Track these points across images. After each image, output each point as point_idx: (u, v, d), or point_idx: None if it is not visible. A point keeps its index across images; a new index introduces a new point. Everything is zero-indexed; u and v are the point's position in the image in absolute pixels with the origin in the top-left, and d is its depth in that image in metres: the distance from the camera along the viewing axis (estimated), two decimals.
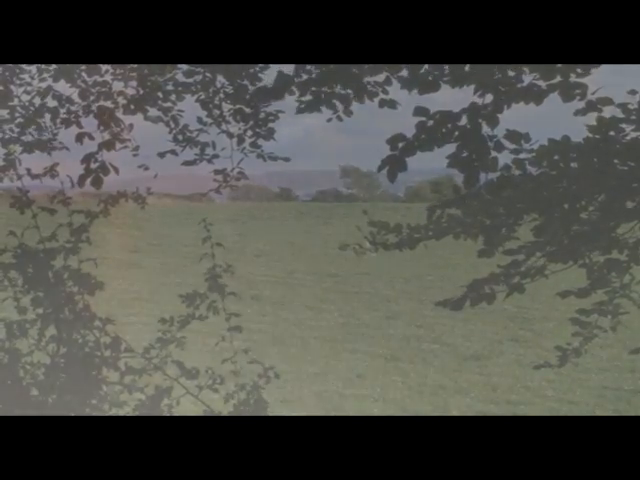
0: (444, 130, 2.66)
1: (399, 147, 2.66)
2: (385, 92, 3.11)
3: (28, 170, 3.39)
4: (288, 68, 3.02)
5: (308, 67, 3.00)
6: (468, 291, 3.11)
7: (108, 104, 3.44)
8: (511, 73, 2.72)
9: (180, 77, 3.37)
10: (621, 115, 2.83)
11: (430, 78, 2.75)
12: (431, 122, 2.67)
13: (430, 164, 3.18)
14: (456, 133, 2.66)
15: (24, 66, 3.41)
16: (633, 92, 2.84)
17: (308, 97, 2.96)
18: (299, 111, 2.92)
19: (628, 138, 2.83)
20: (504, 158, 2.85)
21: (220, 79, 3.40)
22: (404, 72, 2.89)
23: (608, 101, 2.79)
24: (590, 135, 2.83)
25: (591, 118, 2.81)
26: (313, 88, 2.92)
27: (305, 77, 2.97)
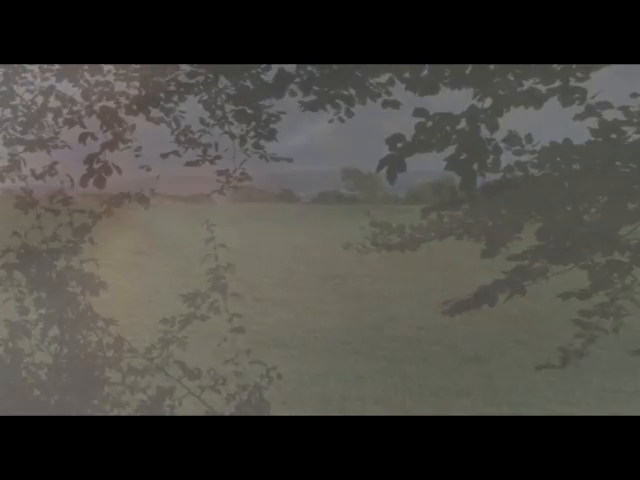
0: (443, 132, 2.67)
1: (398, 147, 2.67)
2: (388, 93, 3.12)
3: (32, 171, 3.40)
4: (290, 68, 3.03)
5: (309, 68, 3.01)
6: (473, 299, 3.11)
7: (110, 104, 3.44)
8: (511, 77, 2.73)
9: (182, 78, 3.38)
10: (623, 118, 2.83)
11: (430, 80, 2.76)
12: (430, 123, 2.68)
13: (432, 166, 3.18)
14: (454, 136, 2.67)
15: (26, 65, 3.42)
16: (635, 95, 2.84)
17: (310, 97, 2.97)
18: (303, 109, 2.93)
19: (630, 140, 2.84)
20: (506, 160, 2.86)
21: (222, 80, 3.40)
22: (406, 74, 2.90)
23: (607, 105, 2.79)
24: (592, 138, 2.84)
25: (590, 122, 2.82)
26: (315, 87, 2.93)
27: (306, 77, 2.98)
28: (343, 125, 3.27)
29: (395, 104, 3.06)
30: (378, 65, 2.88)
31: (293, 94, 3.04)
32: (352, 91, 3.07)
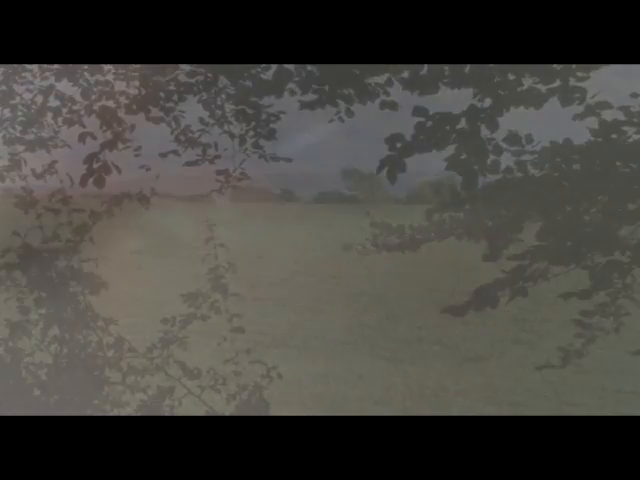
0: (443, 132, 2.67)
1: (397, 147, 2.67)
2: (386, 93, 3.11)
3: (33, 170, 3.40)
4: (290, 66, 3.02)
5: (309, 67, 3.01)
6: (472, 298, 3.11)
7: (110, 104, 3.44)
8: (511, 77, 2.73)
9: (182, 77, 3.37)
10: (623, 118, 2.83)
11: (430, 80, 2.76)
12: (430, 123, 2.67)
13: (432, 166, 3.18)
14: (454, 135, 2.67)
15: (26, 65, 3.41)
16: (635, 95, 2.84)
17: (310, 96, 2.97)
18: (301, 107, 2.93)
19: (630, 140, 2.83)
20: (506, 160, 2.86)
21: (222, 80, 3.40)
22: (405, 74, 2.90)
23: (607, 105, 2.79)
24: (592, 138, 2.83)
25: (590, 122, 2.82)
26: (315, 86, 2.93)
27: (305, 75, 2.98)
28: (344, 125, 3.27)
29: (393, 105, 3.05)
30: (378, 65, 2.88)
31: (292, 93, 3.04)
32: (351, 91, 3.07)
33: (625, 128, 2.82)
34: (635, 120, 2.81)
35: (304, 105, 3.08)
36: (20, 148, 3.52)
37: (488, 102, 2.70)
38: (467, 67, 2.71)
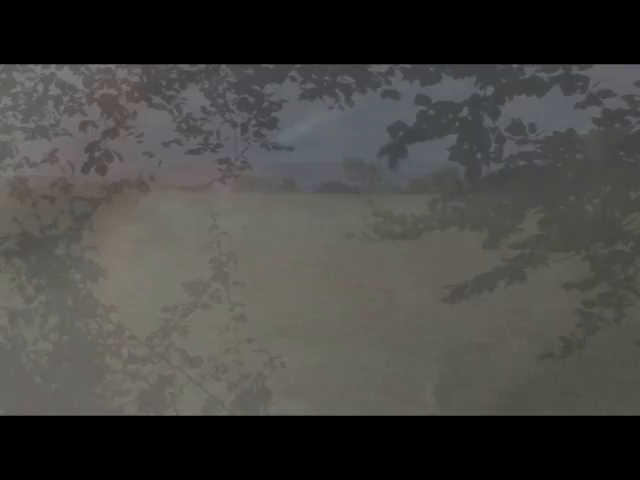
0: (445, 120, 2.67)
1: (399, 135, 2.67)
2: (388, 82, 3.10)
3: (27, 159, 3.40)
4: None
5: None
6: (472, 285, 3.11)
7: (112, 92, 3.43)
8: (513, 65, 2.72)
9: (184, 65, 3.36)
10: (627, 107, 2.82)
11: (432, 69, 2.75)
12: (432, 112, 2.67)
13: (433, 156, 3.17)
14: (457, 124, 2.66)
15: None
16: (639, 84, 2.82)
17: (310, 85, 2.97)
18: (303, 94, 2.92)
19: (634, 130, 2.82)
20: (508, 149, 2.85)
21: (223, 68, 3.39)
22: (407, 65, 2.89)
23: (610, 93, 2.78)
24: (595, 127, 2.82)
25: (593, 111, 2.81)
26: (316, 73, 2.92)
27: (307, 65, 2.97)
28: (346, 115, 3.26)
29: (395, 94, 3.04)
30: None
31: (293, 79, 3.03)
32: (352, 80, 3.07)
33: (628, 117, 2.80)
34: (639, 110, 2.79)
35: (305, 91, 3.07)
36: (21, 137, 3.51)
37: (490, 90, 2.69)
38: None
